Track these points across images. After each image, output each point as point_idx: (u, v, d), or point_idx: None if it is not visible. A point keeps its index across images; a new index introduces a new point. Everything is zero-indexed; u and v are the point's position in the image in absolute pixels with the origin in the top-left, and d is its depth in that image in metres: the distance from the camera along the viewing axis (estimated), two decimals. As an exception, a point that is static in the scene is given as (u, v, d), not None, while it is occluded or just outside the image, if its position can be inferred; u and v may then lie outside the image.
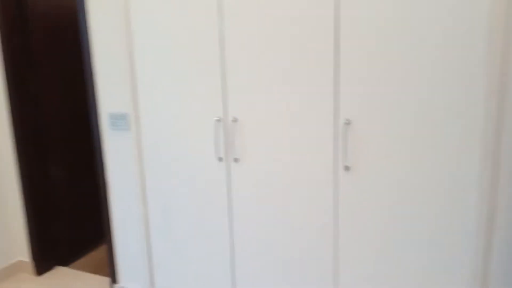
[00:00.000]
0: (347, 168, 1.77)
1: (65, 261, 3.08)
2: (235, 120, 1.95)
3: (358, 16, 1.63)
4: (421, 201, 1.67)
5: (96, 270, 2.94)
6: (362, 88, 1.67)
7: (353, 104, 1.70)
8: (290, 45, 1.77)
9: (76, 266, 3.03)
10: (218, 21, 1.89)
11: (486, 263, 1.61)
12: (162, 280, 2.37)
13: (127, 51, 2.15)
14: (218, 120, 1.99)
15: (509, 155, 1.50)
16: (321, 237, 1.88)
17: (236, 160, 1.99)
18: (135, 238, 2.39)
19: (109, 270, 2.54)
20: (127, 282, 2.49)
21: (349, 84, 1.69)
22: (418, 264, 1.73)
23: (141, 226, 2.34)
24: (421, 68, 1.56)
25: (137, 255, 2.41)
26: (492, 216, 1.57)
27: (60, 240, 3.04)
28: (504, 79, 1.46)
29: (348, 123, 1.73)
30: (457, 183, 1.59)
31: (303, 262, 1.94)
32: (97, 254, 3.24)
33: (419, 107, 1.60)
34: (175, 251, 2.28)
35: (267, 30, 1.80)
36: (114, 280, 2.54)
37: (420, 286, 1.74)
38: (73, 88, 3.08)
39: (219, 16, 1.88)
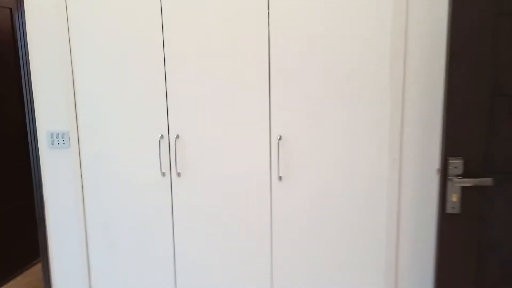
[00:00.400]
0: (280, 178, 2.02)
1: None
2: (178, 136, 2.11)
3: (286, 52, 1.90)
4: (340, 204, 1.96)
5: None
6: (291, 110, 1.94)
7: (284, 122, 1.96)
8: (230, 71, 1.99)
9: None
10: (161, 44, 2.06)
11: (396, 259, 1.93)
12: (101, 295, 2.41)
13: (67, 68, 2.22)
14: (161, 137, 2.14)
15: (409, 160, 1.85)
16: (259, 238, 2.10)
17: (179, 174, 2.15)
18: (74, 256, 2.40)
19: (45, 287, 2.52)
20: (63, 301, 2.49)
21: (280, 106, 1.95)
22: (338, 260, 2.01)
23: (81, 243, 2.37)
24: (339, 94, 1.87)
25: (75, 273, 2.42)
26: (398, 216, 1.90)
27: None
28: (403, 101, 1.82)
29: (280, 138, 1.98)
30: (370, 190, 1.91)
31: (242, 262, 2.14)
32: (27, 276, 3.14)
33: (339, 124, 1.90)
34: (115, 267, 2.34)
35: (208, 57, 2.01)
36: (49, 299, 2.51)
37: (341, 281, 2.02)
38: None
39: (162, 39, 2.05)
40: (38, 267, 3.33)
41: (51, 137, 2.31)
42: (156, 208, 2.21)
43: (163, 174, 2.17)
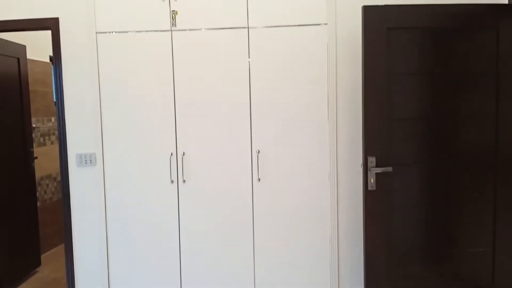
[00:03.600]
0: (259, 180, 2.93)
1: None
2: (184, 153, 2.96)
3: (259, 98, 2.88)
4: (297, 194, 2.92)
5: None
6: (265, 133, 2.90)
7: (261, 141, 2.90)
8: (223, 108, 2.91)
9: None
10: (172, 88, 2.94)
11: (337, 226, 2.91)
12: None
13: (96, 104, 2.99)
14: (171, 154, 2.97)
15: (343, 160, 2.87)
16: (244, 227, 2.96)
17: (184, 181, 2.98)
18: (95, 251, 3.07)
19: (68, 284, 3.12)
20: (83, 290, 3.11)
21: (257, 131, 2.90)
22: (297, 229, 2.94)
23: (102, 241, 3.05)
24: (295, 122, 2.87)
25: (96, 265, 3.08)
26: (338, 198, 2.89)
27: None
28: (337, 125, 2.86)
29: (258, 151, 2.91)
30: (318, 183, 2.90)
31: (231, 239, 2.97)
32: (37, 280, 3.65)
33: (295, 141, 2.88)
34: (132, 259, 3.05)
35: (207, 100, 2.92)
36: (70, 291, 3.11)
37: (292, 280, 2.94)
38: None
39: (173, 85, 2.94)
40: (39, 275, 3.86)
41: (79, 158, 3.03)
42: (166, 207, 3.00)
43: (172, 181, 2.99)
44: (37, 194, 4.21)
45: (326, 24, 2.84)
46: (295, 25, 2.86)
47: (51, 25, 2.98)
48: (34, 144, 4.07)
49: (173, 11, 2.90)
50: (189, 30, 2.91)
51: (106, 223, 3.05)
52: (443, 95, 2.64)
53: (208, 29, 2.90)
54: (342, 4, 2.83)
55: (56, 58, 3.02)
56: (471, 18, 2.58)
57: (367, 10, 2.53)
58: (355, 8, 2.80)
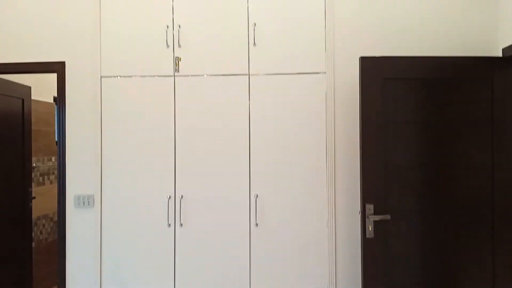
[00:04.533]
0: (256, 225, 2.92)
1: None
2: (182, 196, 2.96)
3: (258, 146, 2.92)
4: (296, 238, 2.89)
5: None
6: (264, 176, 2.91)
7: (260, 185, 2.91)
8: (222, 153, 2.94)
9: None
10: (173, 132, 2.98)
11: (335, 268, 2.87)
12: (109, 327, 3.00)
13: (97, 146, 3.02)
14: (169, 197, 2.97)
15: (341, 207, 2.87)
16: (241, 273, 2.92)
17: (181, 225, 2.96)
18: (88, 295, 3.01)
19: (57, 327, 3.04)
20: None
21: (257, 173, 2.92)
22: (296, 269, 2.89)
23: (96, 282, 3.00)
24: (293, 167, 2.89)
25: (87, 310, 3.01)
26: (336, 243, 2.87)
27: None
28: (335, 174, 2.88)
29: (257, 196, 2.92)
30: (317, 228, 2.88)
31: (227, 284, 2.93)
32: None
33: (294, 186, 2.89)
34: (123, 300, 2.99)
35: (206, 140, 2.96)
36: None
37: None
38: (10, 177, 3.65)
39: (174, 128, 2.98)
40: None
41: (78, 199, 3.03)
42: (162, 252, 2.97)
43: (169, 225, 2.97)
44: (33, 234, 4.17)
45: (325, 72, 2.93)
46: (295, 73, 2.94)
47: (58, 68, 3.06)
48: (33, 184, 4.08)
49: (176, 57, 3.00)
50: (191, 75, 2.99)
51: (100, 266, 3.01)
52: (439, 144, 2.68)
53: (210, 75, 2.98)
54: (340, 54, 2.93)
55: (60, 99, 3.09)
56: (466, 70, 2.66)
57: (364, 61, 2.61)
58: (352, 58, 2.89)
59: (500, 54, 2.78)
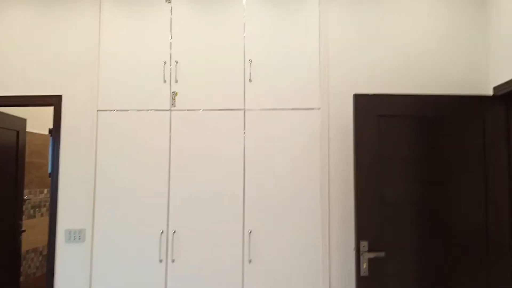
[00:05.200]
0: (250, 261, 2.87)
1: None
2: (175, 231, 2.92)
3: (251, 188, 2.93)
4: (291, 276, 2.85)
5: None
6: (258, 212, 2.89)
7: (254, 221, 2.89)
8: (215, 189, 2.94)
9: None
10: (167, 166, 2.98)
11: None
12: None
13: (90, 175, 3.00)
14: (162, 232, 2.93)
15: (335, 244, 2.84)
16: (233, 310, 2.86)
17: (173, 260, 2.91)
18: (75, 333, 2.91)
19: None
20: None
21: (251, 209, 2.90)
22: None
23: (84, 321, 2.91)
24: (288, 206, 2.88)
25: None
26: (330, 281, 2.82)
27: None
28: (329, 214, 2.87)
29: (250, 232, 2.89)
30: (310, 266, 2.84)
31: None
32: None
33: (288, 224, 2.87)
34: None
35: (200, 175, 2.95)
36: None
37: None
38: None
39: (169, 163, 2.98)
40: None
41: (68, 234, 2.99)
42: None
43: (161, 260, 2.92)
44: (21, 268, 4.07)
45: (319, 108, 2.97)
46: (290, 109, 2.97)
47: (55, 102, 3.08)
48: (23, 216, 4.02)
49: (173, 92, 3.03)
50: (187, 110, 3.02)
51: (89, 303, 2.94)
52: (434, 180, 2.69)
53: (206, 110, 3.01)
54: (334, 90, 2.98)
55: (55, 132, 3.09)
56: (458, 108, 2.71)
57: (358, 98, 2.65)
58: (346, 94, 2.94)
59: (491, 92, 2.84)
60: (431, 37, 2.95)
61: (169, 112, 3.02)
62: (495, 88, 2.76)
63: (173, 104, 3.03)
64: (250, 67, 3.01)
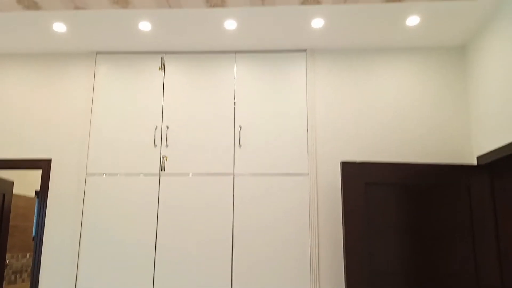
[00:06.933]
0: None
1: None
2: (160, 300, 2.83)
3: (240, 243, 2.89)
4: None
5: None
6: (248, 277, 2.83)
7: (242, 285, 2.83)
8: (204, 254, 2.89)
9: None
10: (154, 235, 2.93)
11: None
12: None
13: (75, 240, 2.93)
14: (147, 301, 2.83)
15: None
16: None
17: (157, 331, 2.79)
18: None
19: None
20: None
21: (240, 275, 2.83)
22: None
23: None
24: (279, 266, 2.83)
25: None
26: None
27: None
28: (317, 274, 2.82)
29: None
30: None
31: None
32: None
33: (280, 285, 2.81)
34: None
35: (188, 240, 2.91)
36: None
37: None
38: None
39: (156, 230, 2.94)
40: None
41: (49, 302, 2.87)
42: None
43: (144, 332, 2.79)
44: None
45: (308, 174, 3.00)
46: (278, 174, 3.00)
47: (44, 165, 3.08)
48: (4, 282, 3.87)
49: (163, 156, 3.06)
50: (177, 174, 3.03)
51: None
52: (423, 248, 2.68)
53: (195, 174, 3.03)
54: (322, 156, 3.02)
55: (42, 194, 3.06)
56: (444, 176, 2.76)
57: (346, 167, 2.70)
58: (334, 160, 3.00)
59: (475, 160, 2.91)
60: (416, 106, 3.06)
61: (158, 177, 3.03)
62: (478, 158, 2.83)
63: (162, 169, 3.04)
64: (240, 133, 3.07)
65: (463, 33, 2.94)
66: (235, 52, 3.21)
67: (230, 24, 2.84)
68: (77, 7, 2.61)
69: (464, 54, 3.10)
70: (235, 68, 3.19)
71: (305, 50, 3.18)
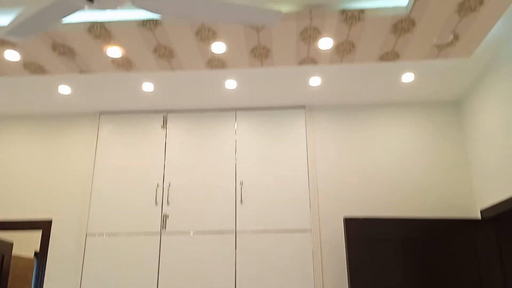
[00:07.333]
0: None
1: None
2: None
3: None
4: None
5: None
6: None
7: None
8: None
9: None
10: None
11: None
12: None
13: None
14: None
15: None
16: None
17: None
18: None
19: None
20: None
21: None
22: None
23: None
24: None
25: None
26: None
27: None
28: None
29: None
30: None
31: None
32: None
33: None
34: None
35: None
36: None
37: None
38: None
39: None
40: None
41: None
42: None
43: None
44: None
45: (310, 230, 2.96)
46: (281, 231, 2.96)
47: (44, 226, 3.06)
48: None
49: (164, 214, 3.04)
50: (178, 233, 2.99)
51: None
52: (432, 307, 2.60)
53: (197, 232, 2.99)
54: (324, 211, 3.00)
55: (41, 255, 3.01)
56: (449, 231, 2.72)
57: (349, 222, 2.67)
58: (336, 215, 2.97)
59: (478, 213, 2.88)
60: (416, 160, 3.07)
61: (159, 236, 2.99)
62: (482, 212, 2.80)
63: (163, 227, 3.01)
64: (241, 189, 3.07)
65: (458, 89, 3.01)
66: (236, 109, 3.28)
67: (231, 84, 2.92)
68: (82, 71, 2.70)
69: (460, 108, 3.16)
70: (235, 125, 3.24)
71: (303, 107, 3.25)
